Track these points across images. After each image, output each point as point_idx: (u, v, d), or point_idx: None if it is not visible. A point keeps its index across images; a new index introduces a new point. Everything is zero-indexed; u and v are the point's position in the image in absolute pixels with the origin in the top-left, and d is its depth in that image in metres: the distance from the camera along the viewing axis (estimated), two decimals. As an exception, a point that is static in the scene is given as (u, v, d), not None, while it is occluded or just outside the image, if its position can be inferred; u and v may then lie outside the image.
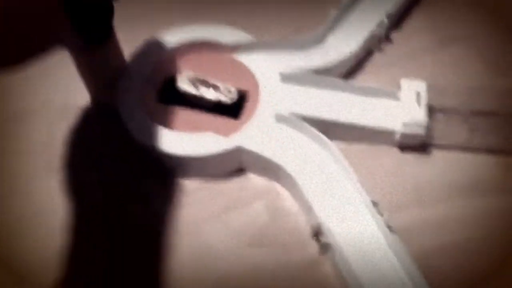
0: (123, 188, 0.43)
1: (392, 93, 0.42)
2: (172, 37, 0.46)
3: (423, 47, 0.49)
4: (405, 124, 0.41)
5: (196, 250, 0.41)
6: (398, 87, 0.43)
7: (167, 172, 0.44)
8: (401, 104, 0.42)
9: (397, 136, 0.42)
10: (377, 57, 0.49)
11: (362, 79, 0.48)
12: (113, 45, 0.43)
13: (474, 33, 0.49)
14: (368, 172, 0.41)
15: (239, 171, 0.44)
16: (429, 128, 0.42)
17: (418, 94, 0.42)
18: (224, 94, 0.43)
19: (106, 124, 0.45)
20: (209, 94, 0.43)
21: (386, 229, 0.37)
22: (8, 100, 0.48)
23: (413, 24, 0.50)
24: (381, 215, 0.38)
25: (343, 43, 0.47)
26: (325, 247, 0.38)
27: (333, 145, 0.41)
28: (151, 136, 0.42)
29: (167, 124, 0.42)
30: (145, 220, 0.42)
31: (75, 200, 0.43)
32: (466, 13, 0.50)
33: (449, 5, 0.51)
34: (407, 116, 0.41)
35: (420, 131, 0.41)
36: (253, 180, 0.44)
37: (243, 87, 0.44)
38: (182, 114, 0.43)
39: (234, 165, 0.43)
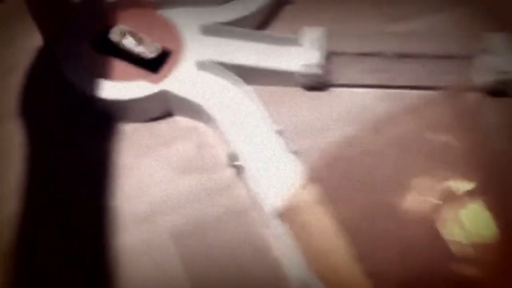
0: (66, 133, 0.50)
1: (296, 40, 0.49)
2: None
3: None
4: (304, 66, 0.48)
5: (132, 184, 0.47)
6: (302, 34, 0.50)
7: (104, 117, 0.50)
8: (302, 49, 0.49)
9: (299, 77, 0.49)
10: (288, 8, 0.56)
11: (274, 28, 0.54)
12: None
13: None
14: (277, 108, 0.48)
15: (168, 115, 0.51)
16: (327, 70, 0.49)
17: (317, 40, 0.49)
18: (149, 49, 0.49)
19: (51, 72, 0.51)
20: (136, 47, 0.49)
21: (290, 153, 0.44)
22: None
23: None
24: (286, 141, 0.45)
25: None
26: (238, 171, 0.45)
27: (246, 85, 0.48)
28: (87, 82, 0.48)
29: (102, 73, 0.48)
30: (84, 161, 0.49)
31: (24, 147, 0.49)
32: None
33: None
34: (306, 59, 0.48)
35: (318, 71, 0.48)
36: (181, 121, 0.50)
37: (168, 40, 0.50)
38: (116, 64, 0.49)
39: (162, 108, 0.50)
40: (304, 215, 0.36)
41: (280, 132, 0.45)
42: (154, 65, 0.49)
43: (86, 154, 0.49)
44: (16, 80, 0.52)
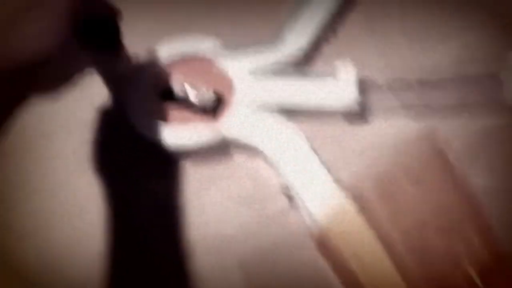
0: (137, 175, 0.57)
1: (333, 75, 0.55)
2: (164, 52, 0.60)
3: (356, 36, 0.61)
4: (342, 102, 0.54)
5: (198, 215, 0.54)
6: (336, 70, 0.55)
7: (169, 158, 0.57)
8: (340, 84, 0.54)
9: (339, 112, 0.55)
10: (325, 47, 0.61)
11: (314, 65, 0.60)
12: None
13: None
14: (320, 141, 0.54)
15: (225, 152, 0.57)
16: (363, 103, 0.55)
17: (351, 74, 0.54)
18: (205, 98, 0.56)
19: (119, 124, 0.58)
20: (194, 97, 0.56)
21: (334, 182, 0.51)
22: (38, 120, 0.61)
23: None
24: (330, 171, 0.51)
25: (299, 38, 0.60)
26: (290, 200, 0.52)
27: (291, 122, 0.54)
28: (156, 130, 0.55)
29: (168, 121, 0.56)
30: (156, 198, 0.56)
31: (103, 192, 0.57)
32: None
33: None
34: (344, 94, 0.54)
35: (354, 106, 0.54)
36: (237, 158, 0.57)
37: (221, 88, 0.57)
38: (178, 113, 0.57)
39: (220, 148, 0.57)
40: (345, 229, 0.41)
41: (324, 163, 0.52)
42: (212, 109, 0.57)
43: (158, 192, 0.57)
44: (88, 133, 0.60)
